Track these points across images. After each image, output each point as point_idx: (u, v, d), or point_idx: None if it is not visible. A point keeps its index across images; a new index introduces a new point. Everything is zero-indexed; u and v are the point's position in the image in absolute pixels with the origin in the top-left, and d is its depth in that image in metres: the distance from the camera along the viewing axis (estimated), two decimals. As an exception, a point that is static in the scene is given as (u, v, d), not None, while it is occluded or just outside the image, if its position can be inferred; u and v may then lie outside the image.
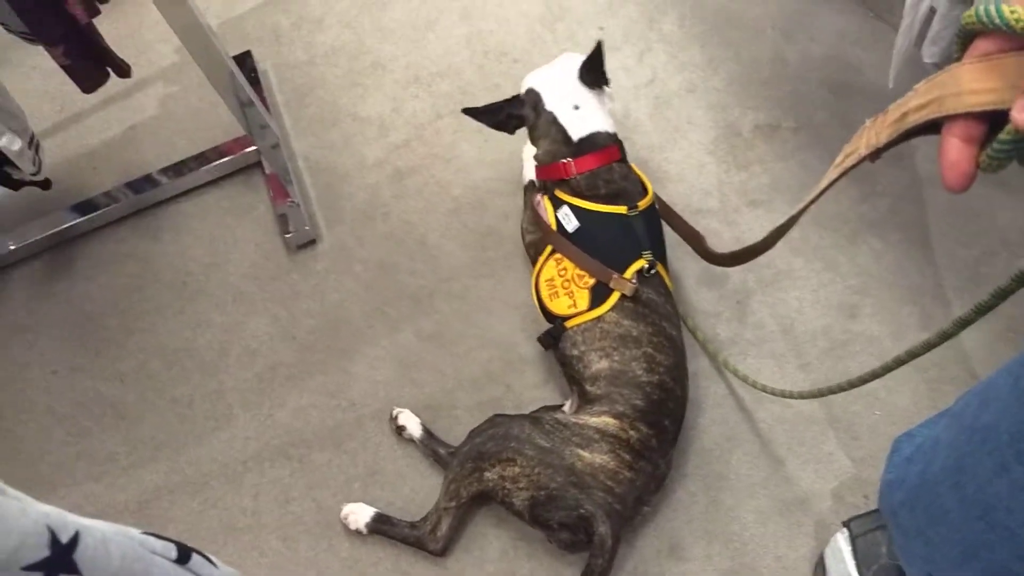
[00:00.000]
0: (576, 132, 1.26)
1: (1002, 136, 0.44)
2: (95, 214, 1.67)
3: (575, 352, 1.20)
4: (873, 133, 0.56)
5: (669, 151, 1.59)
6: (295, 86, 1.85)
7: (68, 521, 0.55)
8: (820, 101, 1.59)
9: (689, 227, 1.28)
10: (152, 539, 0.64)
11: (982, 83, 0.45)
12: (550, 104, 1.28)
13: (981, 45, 0.46)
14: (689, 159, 1.57)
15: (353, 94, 1.80)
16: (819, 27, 1.70)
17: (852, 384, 0.99)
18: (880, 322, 1.34)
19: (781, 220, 1.43)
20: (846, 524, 1.12)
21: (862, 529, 1.10)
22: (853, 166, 0.59)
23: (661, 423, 1.14)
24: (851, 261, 1.40)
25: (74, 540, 0.54)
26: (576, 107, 1.26)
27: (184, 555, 0.67)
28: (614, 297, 1.19)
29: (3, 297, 1.64)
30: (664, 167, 1.57)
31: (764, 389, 1.18)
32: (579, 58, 1.30)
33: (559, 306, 1.23)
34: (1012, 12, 0.42)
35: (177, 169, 1.70)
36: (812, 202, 0.70)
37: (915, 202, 1.44)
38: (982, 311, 0.73)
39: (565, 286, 1.23)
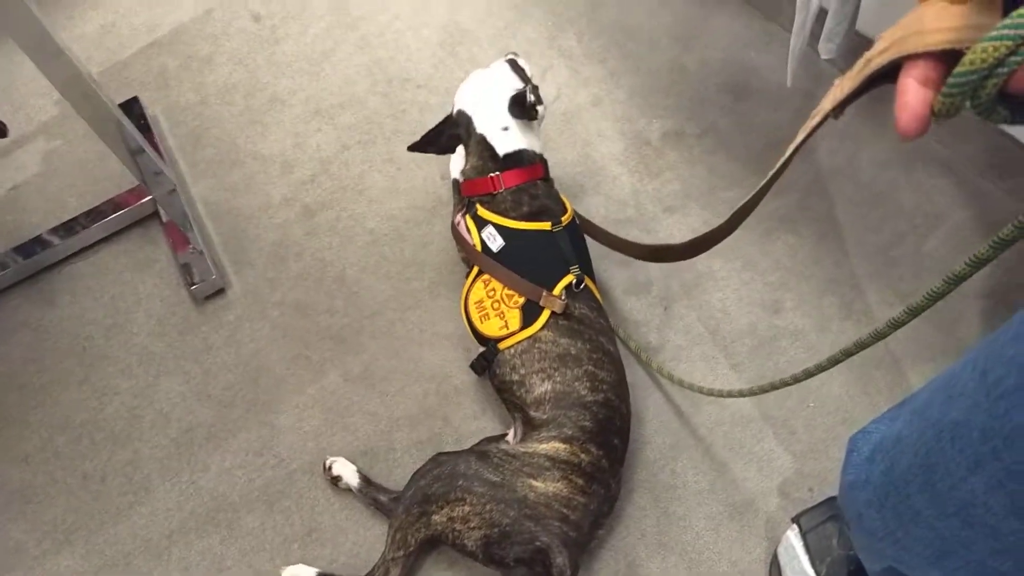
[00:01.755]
0: (503, 148, 1.25)
1: (957, 69, 0.43)
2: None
3: (515, 377, 1.17)
4: (839, 89, 0.55)
5: (581, 165, 1.59)
6: (189, 129, 1.76)
7: None
8: (721, 105, 1.63)
9: (615, 237, 1.27)
10: None
11: (944, 22, 0.45)
12: (480, 127, 1.27)
13: None
14: (602, 171, 1.57)
15: (252, 132, 1.73)
16: (713, 33, 1.74)
17: (786, 383, 0.99)
18: (803, 315, 1.36)
19: (697, 224, 1.47)
20: (795, 520, 1.12)
21: (812, 523, 1.10)
22: (818, 124, 0.59)
23: (610, 442, 1.12)
24: (768, 257, 1.43)
25: None
26: (505, 128, 1.25)
27: None
28: (545, 315, 1.16)
29: None
30: (579, 180, 1.56)
31: (701, 391, 1.17)
32: (507, 75, 1.30)
33: (490, 328, 1.20)
34: None
35: (68, 228, 1.59)
36: (779, 172, 0.70)
37: (822, 195, 1.48)
38: (914, 313, 0.75)
39: (495, 307, 1.20)
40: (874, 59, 0.51)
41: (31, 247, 1.58)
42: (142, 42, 1.93)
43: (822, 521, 1.10)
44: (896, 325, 0.80)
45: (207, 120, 1.76)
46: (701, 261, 1.43)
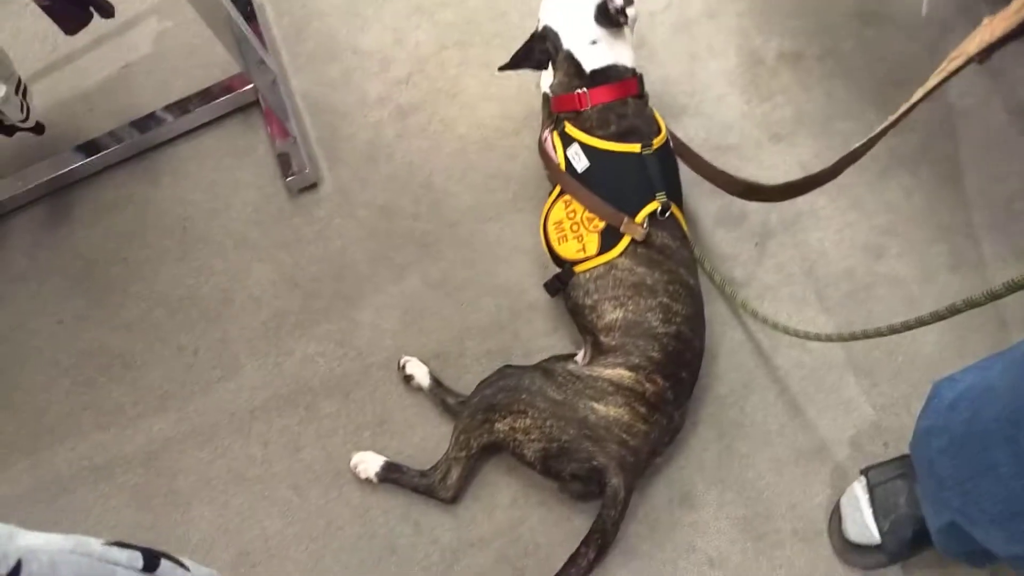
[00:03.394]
0: (590, 64, 1.19)
1: None
2: (96, 157, 1.62)
3: (587, 301, 1.16)
4: (988, 31, 0.50)
5: (686, 83, 1.50)
6: (292, 19, 1.76)
7: (10, 549, 0.52)
8: (848, 29, 1.49)
9: (710, 166, 1.21)
10: (115, 550, 0.61)
11: None
12: (567, 43, 1.21)
13: None
14: (708, 90, 1.49)
15: (352, 25, 1.71)
16: (849, -56, 1.57)
17: (880, 332, 0.94)
18: (907, 263, 1.28)
19: (806, 156, 1.38)
20: (864, 472, 1.09)
21: (881, 478, 1.07)
22: (958, 69, 0.54)
23: (678, 375, 1.11)
24: (879, 199, 1.33)
25: (16, 569, 0.51)
26: (593, 42, 1.19)
27: (151, 563, 0.64)
28: (624, 242, 1.13)
29: (3, 245, 1.61)
30: (681, 100, 1.49)
31: (786, 331, 1.12)
32: None
33: (567, 250, 1.18)
34: None
35: (175, 108, 1.64)
36: (902, 116, 0.65)
37: (948, 137, 1.36)
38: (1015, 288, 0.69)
39: (574, 229, 1.18)
40: None
41: (143, 123, 1.65)
42: (252, -76, 1.92)
43: (892, 477, 1.06)
44: (1014, 288, 0.74)
45: (311, 11, 1.75)
46: (805, 198, 1.35)
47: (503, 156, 1.50)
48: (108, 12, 1.38)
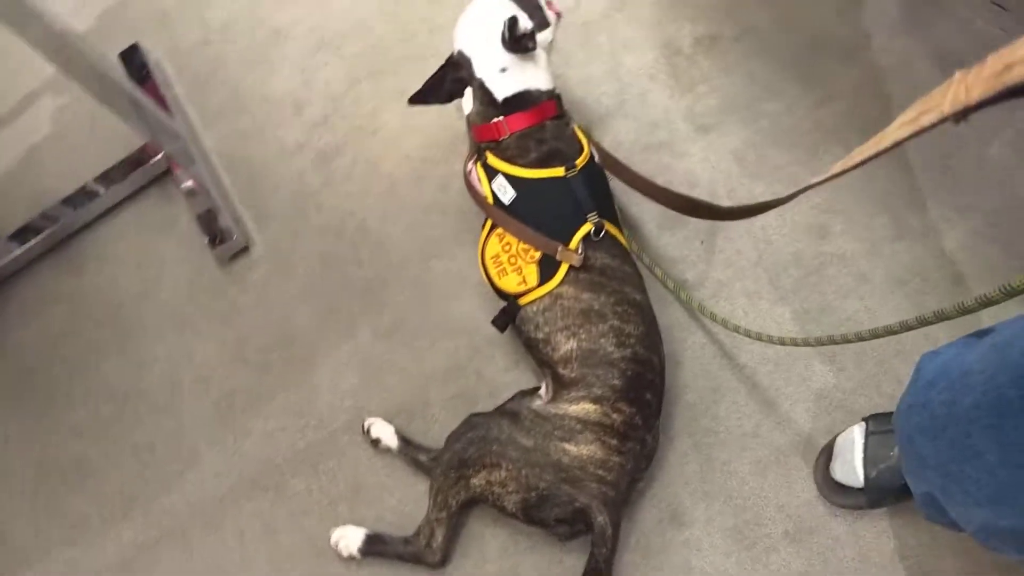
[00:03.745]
0: (501, 93, 1.15)
1: None
2: (13, 255, 1.54)
3: (539, 335, 1.13)
4: (963, 88, 0.46)
5: (607, 83, 1.46)
6: (194, 73, 1.68)
7: None
8: (761, 4, 1.46)
9: (647, 181, 1.18)
10: None
11: None
12: (479, 70, 1.16)
13: None
14: (630, 88, 1.45)
15: (258, 72, 1.65)
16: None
17: (847, 339, 0.93)
18: (853, 238, 1.26)
19: (736, 144, 1.35)
20: (866, 419, 1.09)
21: (880, 427, 1.07)
22: (931, 126, 0.50)
23: (642, 398, 1.08)
24: (814, 176, 1.31)
25: None
26: (503, 70, 1.14)
27: None
28: (563, 270, 1.10)
29: (-68, 363, 1.53)
30: (604, 102, 1.45)
31: (759, 337, 1.10)
32: (500, 3, 1.16)
33: (508, 283, 1.15)
34: None
35: (84, 193, 1.57)
36: (862, 163, 0.61)
37: (873, 99, 1.34)
38: (1010, 294, 0.67)
39: (512, 262, 1.14)
40: (1017, 66, 0.42)
41: (56, 211, 1.57)
42: (135, -21, 1.82)
43: (889, 429, 1.06)
44: (986, 303, 0.72)
45: (211, 61, 1.68)
46: (741, 186, 1.33)
47: (435, 187, 1.46)
48: None
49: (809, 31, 1.41)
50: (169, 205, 1.56)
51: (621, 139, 1.40)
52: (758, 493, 1.14)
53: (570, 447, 1.05)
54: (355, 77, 1.59)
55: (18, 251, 1.54)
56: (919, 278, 1.22)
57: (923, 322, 0.80)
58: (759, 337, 1.09)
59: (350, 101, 1.57)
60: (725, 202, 1.32)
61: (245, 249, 1.48)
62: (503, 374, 1.29)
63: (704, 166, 1.35)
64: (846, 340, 0.94)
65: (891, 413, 1.07)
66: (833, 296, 1.23)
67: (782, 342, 1.05)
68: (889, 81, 1.35)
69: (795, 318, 1.23)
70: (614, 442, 1.05)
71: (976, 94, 0.44)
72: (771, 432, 1.17)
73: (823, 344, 0.99)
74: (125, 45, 1.71)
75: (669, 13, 1.49)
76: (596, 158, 1.20)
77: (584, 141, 1.18)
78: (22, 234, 1.55)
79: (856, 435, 1.09)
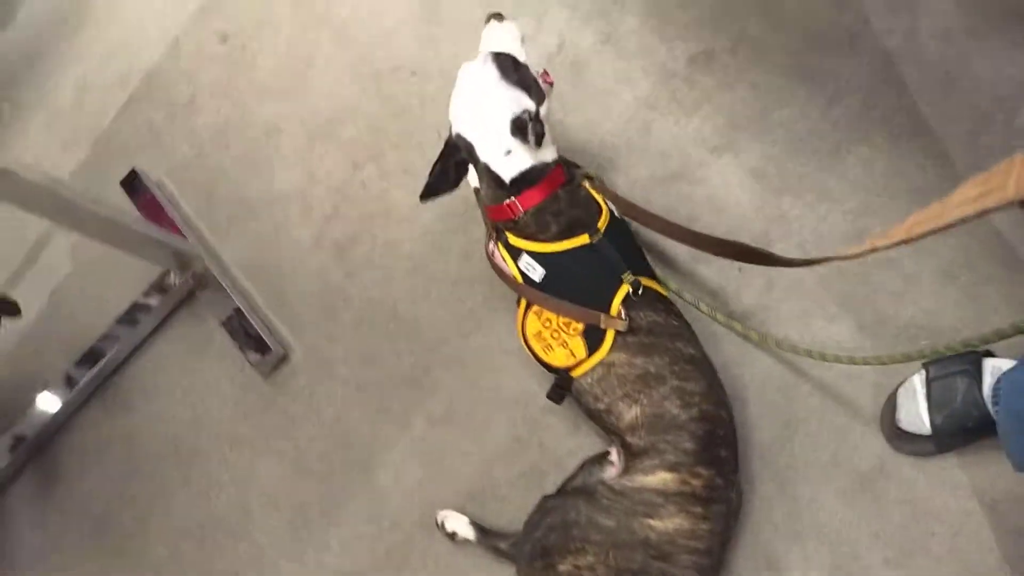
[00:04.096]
0: (508, 174, 1.11)
1: None
2: (61, 407, 1.56)
3: (600, 406, 1.11)
4: (1016, 179, 0.44)
5: (607, 122, 1.43)
6: (197, 187, 1.68)
7: None
8: (745, 5, 1.41)
9: (672, 224, 1.14)
10: None
11: None
12: (483, 155, 1.12)
13: None
14: (631, 123, 1.42)
15: (260, 174, 1.64)
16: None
17: (922, 354, 0.91)
18: (894, 238, 1.22)
19: (754, 161, 1.31)
20: (925, 367, 1.09)
21: (941, 373, 1.07)
22: (996, 208, 0.47)
23: (718, 456, 1.06)
24: (842, 181, 1.27)
25: None
26: (508, 152, 1.10)
27: None
28: (610, 337, 1.08)
29: (9, 526, 1.56)
30: (609, 141, 1.42)
31: (825, 358, 1.10)
32: (500, 86, 1.11)
33: (557, 359, 1.13)
34: None
35: (115, 330, 1.57)
36: (920, 237, 0.59)
37: (885, 88, 1.29)
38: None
39: (555, 336, 1.12)
40: None
41: (93, 353, 1.58)
42: (120, 99, 1.83)
43: (952, 373, 1.06)
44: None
45: (211, 172, 1.68)
46: (768, 204, 1.29)
47: (458, 258, 1.44)
48: (14, 311, 1.33)
49: (803, 27, 1.37)
50: (201, 325, 1.56)
51: (634, 177, 1.37)
52: (850, 524, 1.11)
53: (655, 523, 1.03)
54: (356, 162, 1.58)
55: (66, 399, 1.56)
56: (967, 269, 1.17)
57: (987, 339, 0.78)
58: (838, 359, 1.09)
59: (357, 187, 1.56)
60: (757, 224, 1.29)
61: (284, 358, 1.47)
62: (566, 440, 1.27)
63: (726, 190, 1.32)
64: (922, 356, 0.92)
65: (950, 358, 1.07)
66: (886, 303, 1.19)
67: (866, 362, 1.04)
68: (899, 63, 1.30)
69: (854, 334, 1.19)
70: (699, 510, 1.03)
71: None
72: (850, 458, 1.14)
73: (896, 361, 0.99)
74: (123, 170, 1.71)
75: (656, 37, 1.45)
76: (616, 213, 1.17)
77: (599, 199, 1.16)
78: (66, 383, 1.57)
79: (917, 384, 1.09)
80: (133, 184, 1.68)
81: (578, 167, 1.31)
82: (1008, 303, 1.13)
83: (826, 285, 1.23)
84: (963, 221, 0.51)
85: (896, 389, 1.11)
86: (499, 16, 1.17)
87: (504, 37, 1.15)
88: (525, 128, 1.07)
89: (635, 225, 1.23)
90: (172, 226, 1.59)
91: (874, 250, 0.77)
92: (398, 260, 1.48)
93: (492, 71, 1.12)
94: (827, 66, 1.34)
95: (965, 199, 0.49)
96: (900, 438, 1.10)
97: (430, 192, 1.15)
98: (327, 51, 1.68)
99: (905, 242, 0.63)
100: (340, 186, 1.57)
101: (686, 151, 1.37)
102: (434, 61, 1.58)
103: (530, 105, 1.10)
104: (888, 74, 1.30)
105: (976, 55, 1.26)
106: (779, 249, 1.26)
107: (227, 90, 1.73)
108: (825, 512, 1.13)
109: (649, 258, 1.22)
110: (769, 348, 1.20)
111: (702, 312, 1.24)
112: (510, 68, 1.12)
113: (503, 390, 1.34)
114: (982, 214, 0.49)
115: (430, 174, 1.15)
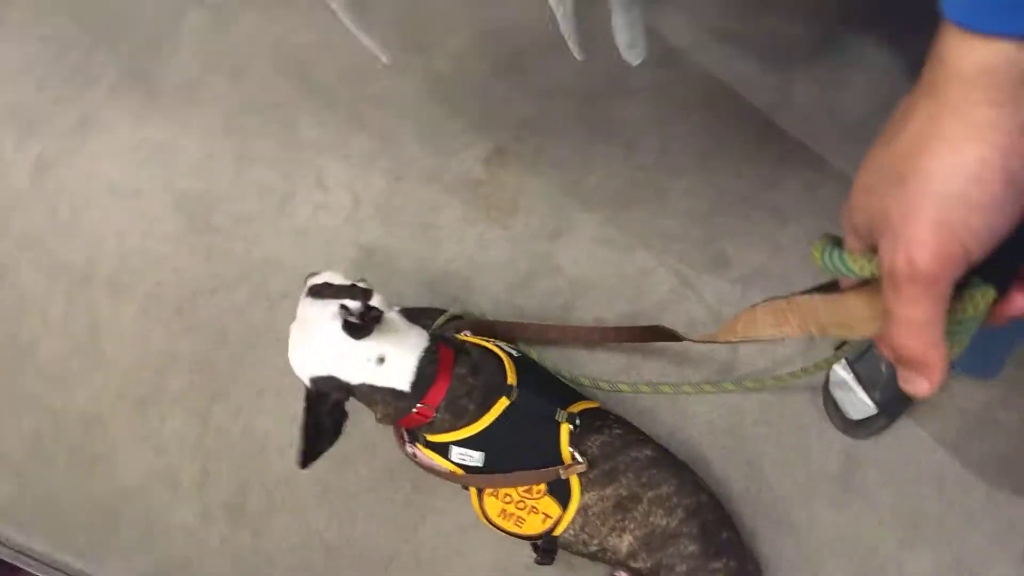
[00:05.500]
0: (401, 382, 0.99)
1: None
2: None
3: (593, 548, 1.05)
4: (796, 321, 0.50)
5: (440, 253, 1.37)
6: (40, 521, 1.43)
7: None
8: (510, 91, 1.41)
9: (551, 327, 1.12)
10: None
11: (869, 311, 0.43)
12: (355, 377, 0.98)
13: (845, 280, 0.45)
14: (463, 244, 1.37)
15: (100, 476, 1.42)
16: (444, 21, 1.48)
17: (830, 362, 0.98)
18: (750, 248, 1.26)
19: (592, 231, 1.31)
20: (837, 356, 1.10)
21: (857, 353, 1.12)
22: (789, 336, 0.52)
23: (722, 541, 1.03)
24: (677, 215, 1.29)
25: None
26: (380, 359, 0.98)
27: None
28: (575, 484, 1.02)
29: None
30: (453, 270, 1.36)
31: (763, 383, 1.15)
32: (323, 312, 0.99)
33: (533, 527, 1.05)
34: (856, 263, 0.40)
35: None
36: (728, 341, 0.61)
37: (676, 113, 1.33)
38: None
39: (521, 507, 1.05)
40: (829, 328, 0.47)
41: None
42: None
43: (867, 349, 1.11)
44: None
45: (52, 493, 1.44)
46: (626, 263, 1.29)
47: (363, 459, 1.32)
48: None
49: (572, 92, 1.38)
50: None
51: (493, 293, 1.33)
52: (852, 525, 1.13)
53: (696, 637, 0.99)
54: (198, 410, 1.41)
55: None
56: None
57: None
58: (761, 383, 1.15)
59: (214, 437, 1.39)
60: (626, 288, 1.28)
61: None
62: (568, 586, 1.20)
63: (582, 267, 1.30)
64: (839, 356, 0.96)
65: (847, 343, 1.08)
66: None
67: (794, 376, 1.07)
68: (671, 87, 1.35)
69: (763, 350, 1.21)
70: (730, 603, 1.00)
71: (814, 332, 0.49)
72: (821, 465, 1.16)
73: (832, 363, 1.01)
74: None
75: (443, 155, 1.41)
76: (514, 353, 1.11)
77: (489, 346, 1.09)
78: None
79: (842, 373, 1.13)
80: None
81: (440, 312, 1.24)
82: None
83: (711, 325, 1.25)
84: (772, 340, 0.55)
85: (826, 385, 1.15)
86: (312, 274, 1.06)
87: (319, 278, 1.05)
88: (353, 326, 0.94)
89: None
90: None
91: (725, 342, 0.78)
92: (303, 491, 1.33)
93: (307, 300, 1.01)
94: (610, 118, 1.37)
95: (765, 324, 0.53)
96: (855, 427, 1.13)
97: (310, 455, 0.98)
98: (107, 307, 1.49)
99: (741, 342, 0.65)
100: (196, 444, 1.39)
101: (528, 248, 1.34)
102: (226, 269, 1.45)
103: (353, 304, 0.96)
104: (668, 102, 1.35)
105: (735, 58, 1.33)
106: (659, 298, 1.27)
107: (17, 397, 1.49)
108: (826, 526, 1.14)
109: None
110: (703, 392, 1.19)
111: (623, 392, 1.21)
112: (322, 289, 1.01)
113: (479, 569, 1.24)
114: (784, 337, 0.53)
115: (302, 437, 0.97)
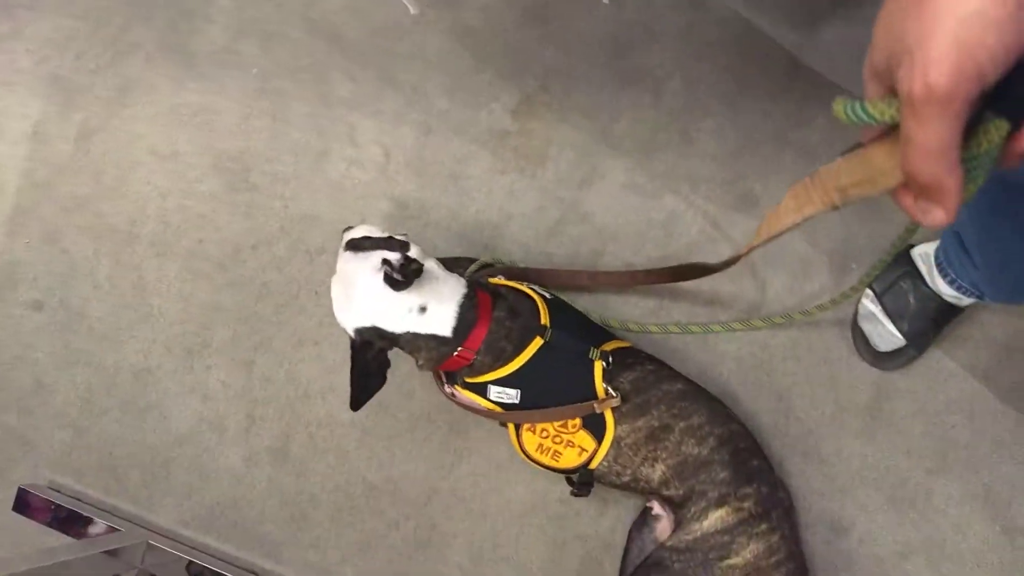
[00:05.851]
0: (443, 328, 1.02)
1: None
2: None
3: (626, 479, 1.09)
4: (818, 194, 0.55)
5: (471, 203, 1.40)
6: (94, 468, 1.50)
7: None
8: (535, 41, 1.43)
9: (576, 272, 1.16)
10: None
11: (891, 160, 0.45)
12: (399, 327, 1.01)
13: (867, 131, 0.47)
14: (493, 194, 1.40)
15: (152, 423, 1.49)
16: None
17: (856, 289, 1.03)
18: (778, 185, 1.27)
19: (621, 178, 1.33)
20: (869, 287, 1.15)
21: (884, 286, 1.13)
22: (812, 216, 0.57)
23: (752, 468, 1.06)
24: (704, 158, 1.31)
25: None
26: (422, 308, 1.01)
27: None
28: (610, 418, 1.06)
29: None
30: (484, 220, 1.39)
31: (788, 317, 1.16)
32: (355, 259, 1.03)
33: (569, 460, 1.09)
34: (875, 108, 0.42)
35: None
36: (762, 244, 0.65)
37: (699, 57, 1.34)
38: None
39: (558, 441, 1.08)
40: (850, 189, 0.51)
41: None
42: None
43: (894, 281, 1.12)
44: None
45: (101, 444, 1.50)
46: (654, 209, 1.31)
47: (402, 402, 1.36)
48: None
49: (595, 39, 1.40)
50: (177, 607, 1.39)
51: (524, 241, 1.36)
52: (881, 456, 1.15)
53: (733, 560, 1.02)
54: (245, 360, 1.46)
55: None
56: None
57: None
58: (790, 317, 1.16)
59: (259, 384, 1.44)
60: (656, 232, 1.30)
61: (282, 590, 1.34)
62: (600, 520, 1.24)
63: (611, 215, 1.33)
64: (864, 283, 0.97)
65: (885, 271, 1.13)
66: (806, 251, 1.24)
67: (822, 309, 1.12)
68: (695, 30, 1.36)
69: (791, 285, 1.23)
70: (763, 527, 1.03)
71: (837, 201, 0.53)
72: (849, 398, 1.18)
73: (858, 290, 1.03)
74: (6, 494, 1.50)
75: (471, 107, 1.44)
76: (547, 296, 1.14)
77: (524, 289, 1.13)
78: None
79: (870, 306, 1.15)
80: (27, 504, 1.48)
81: (472, 261, 1.28)
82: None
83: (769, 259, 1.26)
84: (795, 227, 0.58)
85: (855, 319, 1.16)
86: (347, 228, 1.10)
87: (356, 232, 1.08)
88: (393, 279, 0.98)
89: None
90: (87, 526, 1.41)
91: (752, 249, 0.79)
92: (343, 435, 1.38)
93: (347, 255, 1.04)
94: (636, 64, 1.38)
95: (788, 209, 0.55)
96: (883, 359, 1.15)
97: (360, 398, 1.03)
98: (152, 266, 1.54)
99: (767, 242, 0.66)
100: (241, 392, 1.45)
101: (557, 196, 1.37)
102: (265, 225, 1.49)
103: (392, 256, 1.01)
104: (694, 45, 1.35)
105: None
106: (688, 240, 1.29)
107: (70, 355, 1.56)
108: (855, 458, 1.16)
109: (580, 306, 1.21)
110: (731, 330, 1.22)
111: (652, 333, 1.24)
112: (361, 242, 1.05)
113: (515, 504, 1.28)
114: (806, 220, 0.57)
115: (351, 384, 1.03)
